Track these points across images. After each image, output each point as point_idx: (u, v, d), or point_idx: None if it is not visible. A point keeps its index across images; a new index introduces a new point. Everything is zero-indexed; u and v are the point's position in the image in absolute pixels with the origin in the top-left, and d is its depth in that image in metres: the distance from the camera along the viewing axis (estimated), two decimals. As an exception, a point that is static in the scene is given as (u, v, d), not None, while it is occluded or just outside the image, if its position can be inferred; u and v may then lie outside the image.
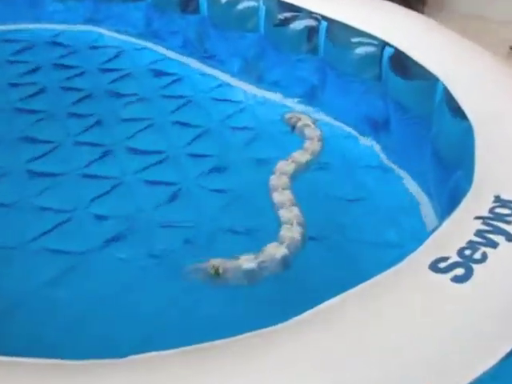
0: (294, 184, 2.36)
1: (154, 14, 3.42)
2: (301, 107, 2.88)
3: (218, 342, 1.25)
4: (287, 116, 2.81)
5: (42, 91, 3.03)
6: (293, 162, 2.45)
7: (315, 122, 2.74)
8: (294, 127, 2.74)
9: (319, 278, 2.02)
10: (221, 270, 1.94)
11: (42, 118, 2.83)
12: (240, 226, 2.21)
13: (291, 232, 2.08)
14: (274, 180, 2.35)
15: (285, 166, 2.42)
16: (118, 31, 3.50)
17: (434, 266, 1.39)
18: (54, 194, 2.38)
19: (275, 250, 2.01)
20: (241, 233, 2.19)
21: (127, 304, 1.93)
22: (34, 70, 3.20)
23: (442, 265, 1.39)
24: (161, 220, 2.25)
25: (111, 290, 1.98)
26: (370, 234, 2.19)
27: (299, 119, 2.75)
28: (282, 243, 2.04)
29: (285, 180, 2.35)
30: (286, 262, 2.00)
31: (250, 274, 1.96)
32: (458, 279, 1.35)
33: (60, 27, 3.55)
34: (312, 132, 2.66)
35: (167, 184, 2.43)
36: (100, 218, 2.27)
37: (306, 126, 2.70)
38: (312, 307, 1.33)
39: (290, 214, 2.16)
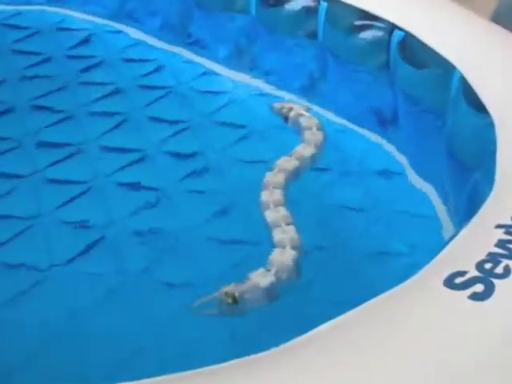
0: (294, 186, 2.39)
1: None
2: (298, 99, 2.88)
3: (200, 370, 1.25)
4: (277, 106, 2.82)
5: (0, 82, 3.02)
6: (295, 158, 2.47)
7: (308, 110, 2.75)
8: (286, 118, 2.74)
9: (319, 294, 2.03)
10: (237, 295, 1.92)
11: (1, 112, 2.82)
12: (227, 236, 2.21)
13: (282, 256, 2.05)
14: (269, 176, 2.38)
15: (285, 163, 2.44)
16: (86, 12, 3.50)
17: (450, 282, 1.38)
18: (17, 199, 2.38)
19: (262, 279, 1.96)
20: (228, 242, 2.19)
21: (98, 325, 1.93)
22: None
23: (459, 280, 1.38)
24: (137, 228, 2.25)
25: (79, 308, 1.98)
26: (376, 244, 2.19)
27: (291, 109, 2.75)
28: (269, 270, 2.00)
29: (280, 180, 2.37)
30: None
31: (269, 290, 1.95)
32: (477, 296, 1.34)
33: (18, 7, 3.54)
34: (308, 121, 2.67)
35: (145, 188, 2.43)
36: (68, 225, 2.26)
37: (300, 115, 2.71)
38: (312, 328, 1.33)
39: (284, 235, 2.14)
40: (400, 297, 1.41)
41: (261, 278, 1.96)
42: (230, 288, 1.92)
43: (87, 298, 2.02)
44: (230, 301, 1.92)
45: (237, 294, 1.92)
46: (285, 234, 2.12)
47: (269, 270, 1.99)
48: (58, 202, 2.34)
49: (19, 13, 3.51)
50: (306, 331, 1.33)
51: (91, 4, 3.50)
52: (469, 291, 1.35)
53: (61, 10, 3.54)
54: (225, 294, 1.92)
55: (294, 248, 2.06)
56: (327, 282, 2.07)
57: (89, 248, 2.17)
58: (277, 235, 2.13)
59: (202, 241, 2.20)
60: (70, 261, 2.13)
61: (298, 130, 2.68)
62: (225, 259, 2.14)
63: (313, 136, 2.58)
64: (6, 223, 2.27)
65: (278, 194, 2.29)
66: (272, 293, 1.96)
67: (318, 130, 2.61)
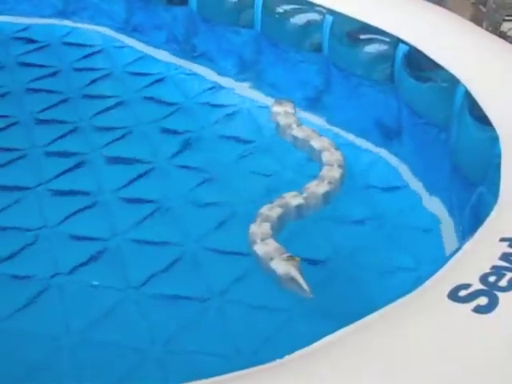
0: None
1: (135, 5, 3.43)
2: (303, 112, 2.88)
3: (205, 382, 1.25)
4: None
5: (6, 94, 3.03)
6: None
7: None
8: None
9: (324, 307, 2.02)
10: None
11: (7, 124, 2.83)
12: (231, 247, 2.21)
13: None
14: None
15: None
16: (93, 25, 3.51)
17: (454, 295, 1.38)
18: (22, 211, 2.38)
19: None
20: (230, 254, 2.19)
21: (100, 336, 1.93)
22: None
23: (463, 293, 1.38)
24: (141, 239, 2.25)
25: (82, 320, 1.98)
26: (381, 257, 2.19)
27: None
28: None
29: None
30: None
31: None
32: (480, 309, 1.34)
33: (27, 20, 3.56)
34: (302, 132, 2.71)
35: (149, 200, 2.43)
36: (72, 237, 2.26)
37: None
38: (315, 340, 1.33)
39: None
40: (404, 309, 1.41)
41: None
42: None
43: (90, 309, 2.02)
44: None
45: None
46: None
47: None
48: (63, 214, 2.34)
49: (28, 26, 3.52)
50: (310, 343, 1.33)
51: (99, 17, 3.51)
52: (473, 304, 1.35)
53: (69, 23, 3.55)
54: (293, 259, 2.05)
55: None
56: (331, 294, 2.07)
57: (92, 259, 2.17)
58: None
59: (206, 252, 2.20)
60: (73, 271, 2.12)
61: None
62: (228, 272, 2.13)
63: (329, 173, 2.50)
64: (10, 235, 2.27)
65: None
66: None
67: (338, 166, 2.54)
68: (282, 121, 2.76)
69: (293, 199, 2.34)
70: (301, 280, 2.01)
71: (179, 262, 2.17)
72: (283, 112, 2.78)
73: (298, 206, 2.33)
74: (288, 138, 2.73)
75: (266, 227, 2.22)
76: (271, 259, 2.09)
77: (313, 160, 2.60)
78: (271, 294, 2.07)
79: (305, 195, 2.35)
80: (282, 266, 2.06)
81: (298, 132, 2.67)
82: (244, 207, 2.39)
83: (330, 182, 2.40)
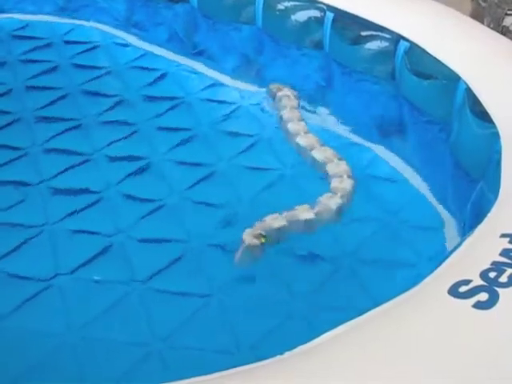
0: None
1: (136, 3, 3.43)
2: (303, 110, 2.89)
3: (206, 378, 1.26)
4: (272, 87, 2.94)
5: (8, 91, 3.03)
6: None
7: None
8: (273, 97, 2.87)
9: (326, 303, 2.03)
10: (264, 233, 2.14)
11: (8, 121, 2.83)
12: (233, 244, 2.21)
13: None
14: None
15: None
16: (95, 22, 3.51)
17: (454, 291, 1.38)
18: (24, 208, 2.38)
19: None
20: (234, 251, 2.19)
21: (103, 333, 1.94)
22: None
23: (463, 289, 1.38)
24: (143, 236, 2.26)
25: (84, 316, 1.99)
26: (382, 253, 2.20)
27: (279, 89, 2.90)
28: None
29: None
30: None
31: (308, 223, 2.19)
32: (481, 305, 1.34)
33: (28, 18, 3.56)
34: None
35: (152, 198, 2.43)
36: (75, 234, 2.26)
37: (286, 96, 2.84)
38: (318, 335, 1.34)
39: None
40: (405, 305, 1.41)
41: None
42: (253, 230, 2.15)
43: (93, 305, 2.02)
44: (262, 241, 2.12)
45: (263, 233, 2.14)
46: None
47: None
48: (65, 211, 2.34)
49: (29, 24, 3.52)
50: (311, 339, 1.34)
51: (100, 15, 3.51)
52: (473, 300, 1.35)
53: (70, 21, 3.55)
54: (255, 237, 2.13)
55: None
56: (333, 290, 2.07)
57: (95, 256, 2.17)
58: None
59: (208, 249, 2.20)
60: (75, 269, 2.13)
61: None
62: (232, 268, 2.14)
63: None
64: (13, 232, 2.27)
65: None
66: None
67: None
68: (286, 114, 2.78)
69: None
70: None
71: (182, 259, 2.18)
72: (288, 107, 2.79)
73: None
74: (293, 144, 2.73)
75: None
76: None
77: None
78: (273, 290, 2.08)
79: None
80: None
81: (301, 140, 2.65)
82: (246, 204, 2.39)
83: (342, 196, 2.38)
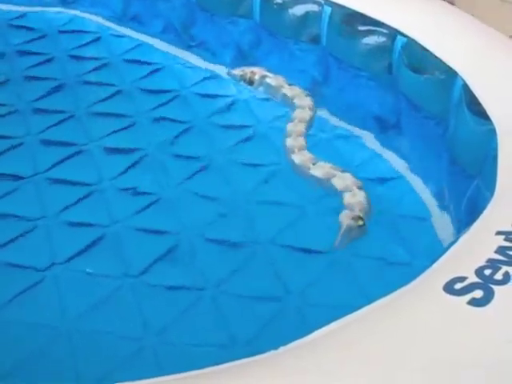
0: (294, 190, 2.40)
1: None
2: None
3: (200, 372, 1.25)
4: (238, 72, 2.96)
5: (3, 82, 3.02)
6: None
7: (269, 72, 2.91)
8: (251, 82, 2.86)
9: (319, 299, 2.02)
10: (362, 215, 2.24)
11: (4, 112, 2.82)
12: (227, 237, 2.21)
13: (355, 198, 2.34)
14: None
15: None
16: (92, 14, 3.50)
17: (449, 288, 1.38)
18: (19, 199, 2.37)
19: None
20: (227, 244, 2.19)
21: (96, 325, 1.93)
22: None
23: (458, 286, 1.38)
24: (138, 229, 2.25)
25: (78, 308, 1.98)
26: (376, 249, 2.19)
27: (254, 73, 2.89)
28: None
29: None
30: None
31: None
32: (476, 302, 1.34)
33: (25, 9, 3.55)
34: (275, 81, 2.78)
35: (147, 190, 2.42)
36: (69, 226, 2.26)
37: (266, 76, 2.85)
38: (311, 331, 1.33)
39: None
40: (399, 301, 1.41)
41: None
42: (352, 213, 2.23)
43: (87, 298, 2.02)
44: (360, 223, 2.21)
45: (361, 215, 2.22)
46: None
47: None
48: (61, 203, 2.33)
49: (25, 14, 3.51)
50: (305, 334, 1.33)
51: (97, 6, 3.50)
52: (468, 297, 1.35)
53: (67, 12, 3.54)
54: (353, 220, 2.20)
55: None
56: (326, 286, 2.06)
57: (89, 248, 2.16)
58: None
59: (203, 242, 2.20)
60: (70, 261, 2.12)
61: (269, 91, 2.87)
62: (225, 262, 2.13)
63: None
64: (8, 223, 2.26)
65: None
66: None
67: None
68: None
69: None
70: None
71: (176, 252, 2.17)
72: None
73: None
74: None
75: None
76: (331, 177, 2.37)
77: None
78: (267, 284, 2.07)
79: None
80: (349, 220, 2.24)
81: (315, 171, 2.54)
82: (242, 197, 2.39)
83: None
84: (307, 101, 2.81)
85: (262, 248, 2.19)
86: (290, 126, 2.71)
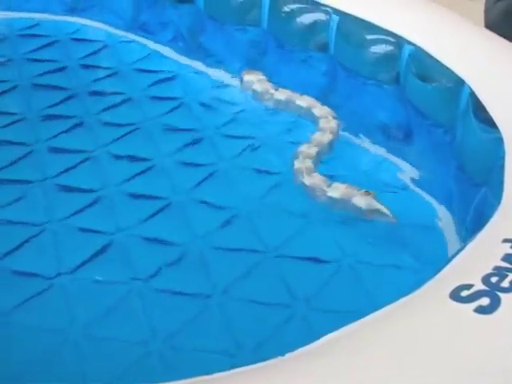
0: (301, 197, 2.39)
1: (143, 3, 3.43)
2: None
3: (205, 378, 1.25)
4: (258, 87, 2.97)
5: (13, 89, 3.03)
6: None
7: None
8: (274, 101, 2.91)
9: (325, 305, 2.02)
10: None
11: (13, 119, 2.83)
12: (234, 244, 2.21)
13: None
14: None
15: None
16: (101, 22, 3.51)
17: (456, 295, 1.37)
18: (27, 206, 2.37)
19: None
20: (234, 251, 2.19)
21: (104, 332, 1.93)
22: (4, 64, 3.20)
23: (465, 293, 1.38)
24: (145, 236, 2.25)
25: (86, 315, 1.98)
26: (382, 256, 2.18)
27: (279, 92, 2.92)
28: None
29: None
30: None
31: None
32: (482, 310, 1.34)
33: (35, 16, 3.56)
34: (306, 102, 2.81)
35: (155, 196, 2.42)
36: (77, 233, 2.26)
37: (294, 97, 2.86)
38: (318, 338, 1.33)
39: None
40: (405, 309, 1.40)
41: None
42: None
43: (94, 304, 2.02)
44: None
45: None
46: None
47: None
48: (68, 209, 2.33)
49: (35, 22, 3.52)
50: (312, 341, 1.33)
51: (106, 14, 3.51)
52: (474, 304, 1.35)
53: (77, 20, 3.55)
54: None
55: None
56: (333, 293, 2.06)
57: (97, 255, 2.16)
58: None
59: (210, 250, 2.20)
60: (78, 268, 2.12)
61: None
62: (232, 269, 2.13)
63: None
64: (15, 229, 2.27)
65: None
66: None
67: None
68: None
69: None
70: (384, 209, 2.26)
71: (184, 258, 2.17)
72: None
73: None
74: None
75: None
76: (351, 197, 2.32)
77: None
78: (274, 291, 2.07)
79: None
80: (363, 201, 2.29)
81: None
82: (249, 204, 2.39)
83: None
84: (332, 123, 2.75)
85: (269, 255, 2.18)
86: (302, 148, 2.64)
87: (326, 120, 2.75)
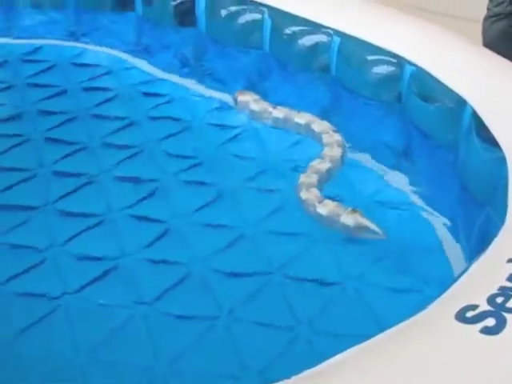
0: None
1: (144, 27, 3.44)
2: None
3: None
4: (256, 108, 2.98)
5: (17, 114, 3.04)
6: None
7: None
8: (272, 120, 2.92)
9: (328, 327, 2.01)
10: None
11: (17, 143, 2.83)
12: (238, 267, 2.20)
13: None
14: None
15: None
16: (103, 46, 3.52)
17: (461, 316, 1.37)
18: (31, 230, 2.37)
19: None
20: (238, 274, 2.18)
21: (109, 355, 1.92)
22: (7, 89, 3.22)
23: (470, 314, 1.37)
24: (149, 259, 2.24)
25: (90, 339, 1.97)
26: (388, 277, 2.17)
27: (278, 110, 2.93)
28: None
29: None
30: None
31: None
32: (488, 330, 1.33)
33: (37, 42, 3.58)
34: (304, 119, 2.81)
35: (159, 219, 2.42)
36: (80, 257, 2.25)
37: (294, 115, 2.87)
38: (323, 360, 1.32)
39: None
40: (411, 330, 1.40)
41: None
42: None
43: (98, 327, 2.01)
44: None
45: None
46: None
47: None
48: (71, 233, 2.33)
49: (37, 48, 3.54)
50: (317, 363, 1.32)
51: (109, 38, 3.52)
52: (480, 325, 1.34)
53: (79, 45, 3.57)
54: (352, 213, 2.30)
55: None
56: (338, 315, 2.05)
57: (100, 278, 2.16)
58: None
59: (214, 272, 2.19)
60: (82, 291, 2.11)
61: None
62: (236, 291, 2.12)
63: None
64: (19, 253, 2.26)
65: None
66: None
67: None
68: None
69: None
70: (372, 226, 2.25)
71: (188, 281, 2.16)
72: None
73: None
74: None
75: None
76: (339, 215, 2.31)
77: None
78: (278, 314, 2.06)
79: None
80: (351, 219, 2.28)
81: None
82: (252, 228, 2.38)
83: None
84: (336, 137, 2.75)
85: (272, 277, 2.17)
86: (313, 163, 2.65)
87: (329, 135, 2.76)
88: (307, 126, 2.85)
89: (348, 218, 2.30)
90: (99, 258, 2.24)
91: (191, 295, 2.12)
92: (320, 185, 2.51)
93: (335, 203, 2.37)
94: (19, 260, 2.23)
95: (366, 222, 2.28)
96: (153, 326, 2.02)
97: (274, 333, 2.00)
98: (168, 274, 2.19)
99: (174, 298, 2.10)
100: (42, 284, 2.15)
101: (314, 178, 2.53)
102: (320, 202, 2.40)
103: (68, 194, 2.53)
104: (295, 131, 2.88)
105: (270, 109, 2.95)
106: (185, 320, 2.03)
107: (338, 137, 2.74)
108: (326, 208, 2.38)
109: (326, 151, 2.68)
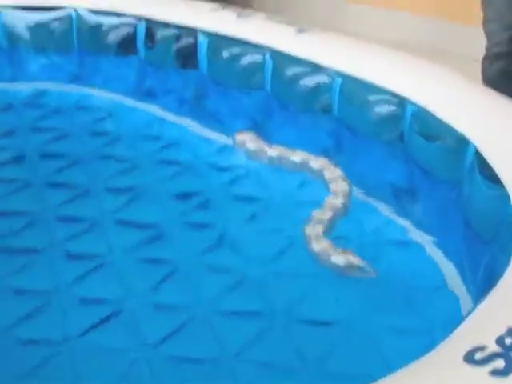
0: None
1: (147, 70, 3.46)
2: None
3: None
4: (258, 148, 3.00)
5: (19, 158, 3.04)
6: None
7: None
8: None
9: (337, 369, 1.99)
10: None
11: (19, 187, 2.83)
12: (243, 309, 2.18)
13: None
14: None
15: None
16: (106, 89, 3.54)
17: (470, 358, 1.35)
18: (33, 274, 2.35)
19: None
20: (243, 316, 2.16)
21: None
22: (11, 134, 3.22)
23: (479, 356, 1.35)
24: (152, 303, 2.23)
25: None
26: (392, 318, 2.15)
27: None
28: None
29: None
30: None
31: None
32: (498, 373, 1.31)
33: (40, 85, 3.59)
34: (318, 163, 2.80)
35: (163, 261, 2.41)
36: (83, 300, 2.24)
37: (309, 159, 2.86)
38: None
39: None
40: (419, 372, 1.38)
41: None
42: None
43: (102, 371, 1.99)
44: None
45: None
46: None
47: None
48: (74, 277, 2.31)
49: (41, 92, 3.55)
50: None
51: (110, 82, 3.54)
52: (489, 367, 1.32)
53: (80, 88, 3.59)
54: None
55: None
56: (345, 356, 2.03)
57: (104, 322, 2.14)
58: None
59: (219, 315, 2.17)
60: (85, 335, 2.09)
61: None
62: (241, 333, 2.10)
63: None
64: (22, 298, 2.25)
65: None
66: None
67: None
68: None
69: None
70: (363, 264, 2.28)
71: (193, 324, 2.14)
72: None
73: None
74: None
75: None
76: (329, 255, 2.33)
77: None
78: (284, 355, 2.04)
79: None
80: (341, 258, 2.31)
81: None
82: (256, 268, 2.37)
83: None
84: (337, 172, 2.77)
85: (277, 319, 2.16)
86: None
87: (330, 170, 2.77)
88: (304, 164, 2.86)
89: (339, 258, 2.32)
90: (103, 301, 2.22)
91: (196, 338, 2.09)
92: (333, 221, 2.55)
93: (327, 242, 2.39)
94: (22, 305, 2.21)
95: (356, 261, 2.30)
96: (157, 369, 1.99)
97: (280, 375, 1.98)
98: (172, 316, 2.16)
99: (178, 341, 2.08)
100: (44, 328, 2.13)
101: (328, 215, 2.55)
102: (313, 240, 2.42)
103: (71, 237, 2.52)
104: (292, 169, 2.89)
105: (266, 148, 2.97)
106: (189, 363, 2.01)
107: (339, 171, 2.77)
108: (317, 246, 2.40)
109: (334, 186, 2.70)
